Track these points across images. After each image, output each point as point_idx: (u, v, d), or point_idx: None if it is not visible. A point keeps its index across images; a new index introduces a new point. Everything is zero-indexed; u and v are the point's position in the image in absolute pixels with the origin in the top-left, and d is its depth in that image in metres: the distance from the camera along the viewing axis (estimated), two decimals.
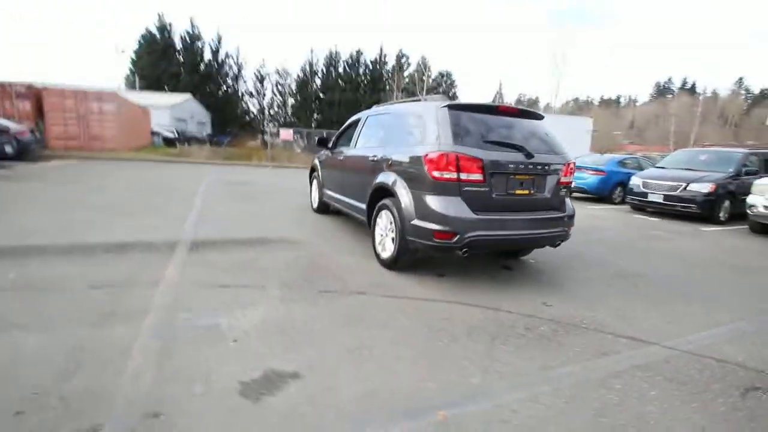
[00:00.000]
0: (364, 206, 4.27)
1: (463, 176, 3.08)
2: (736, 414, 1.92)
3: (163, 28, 38.37)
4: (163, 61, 37.82)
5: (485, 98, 62.35)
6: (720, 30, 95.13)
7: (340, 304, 2.93)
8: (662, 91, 75.18)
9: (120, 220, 4.98)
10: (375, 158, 4.05)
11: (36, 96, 13.97)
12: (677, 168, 8.99)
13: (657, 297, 3.54)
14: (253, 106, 46.72)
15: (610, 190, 11.00)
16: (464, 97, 47.87)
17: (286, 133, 19.69)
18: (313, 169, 6.50)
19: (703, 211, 7.86)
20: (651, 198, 8.60)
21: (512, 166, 3.23)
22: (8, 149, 10.39)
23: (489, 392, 1.95)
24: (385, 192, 3.81)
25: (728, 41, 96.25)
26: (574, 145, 13.41)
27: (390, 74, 41.96)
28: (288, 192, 9.06)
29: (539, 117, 3.67)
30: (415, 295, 3.18)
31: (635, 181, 9.02)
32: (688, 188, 8.01)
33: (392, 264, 3.66)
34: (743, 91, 66.58)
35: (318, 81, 44.63)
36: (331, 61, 43.94)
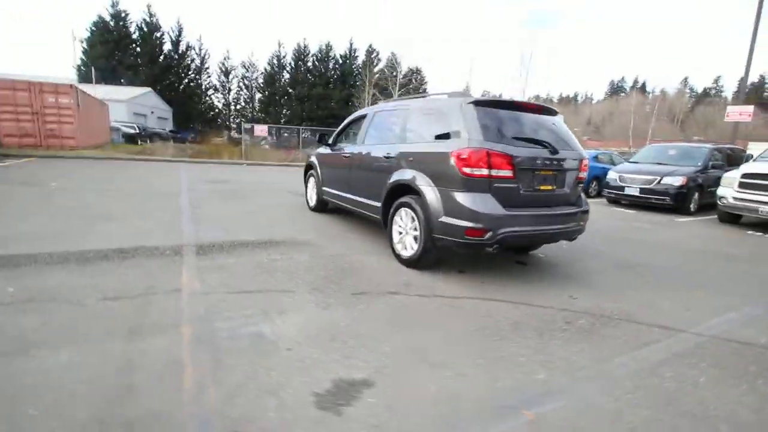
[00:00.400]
0: (378, 204, 4.20)
1: (494, 173, 3.09)
2: None
3: (117, 16, 35.98)
4: (118, 51, 35.51)
5: None
6: (668, 32, 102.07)
7: (378, 305, 2.86)
8: (616, 89, 79.42)
9: (107, 225, 4.62)
10: (390, 155, 3.99)
11: None
12: (650, 163, 9.52)
13: (665, 286, 3.73)
14: (217, 100, 44.98)
15: (587, 184, 11.52)
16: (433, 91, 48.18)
17: (261, 129, 19.03)
18: (309, 167, 6.32)
19: (675, 202, 8.39)
20: (627, 191, 9.07)
21: (539, 162, 3.28)
22: None
23: (559, 388, 1.97)
24: (404, 189, 3.76)
25: (675, 43, 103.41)
26: None
27: (360, 69, 41.63)
28: (274, 190, 8.79)
29: (555, 113, 3.75)
30: (446, 293, 3.16)
31: (612, 176, 9.47)
32: (661, 182, 8.51)
33: (415, 263, 3.63)
34: (688, 90, 71.62)
35: (286, 75, 43.58)
36: (300, 55, 43.02)
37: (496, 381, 1.98)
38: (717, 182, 8.12)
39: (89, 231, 4.31)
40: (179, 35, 39.72)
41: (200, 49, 41.74)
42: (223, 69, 43.56)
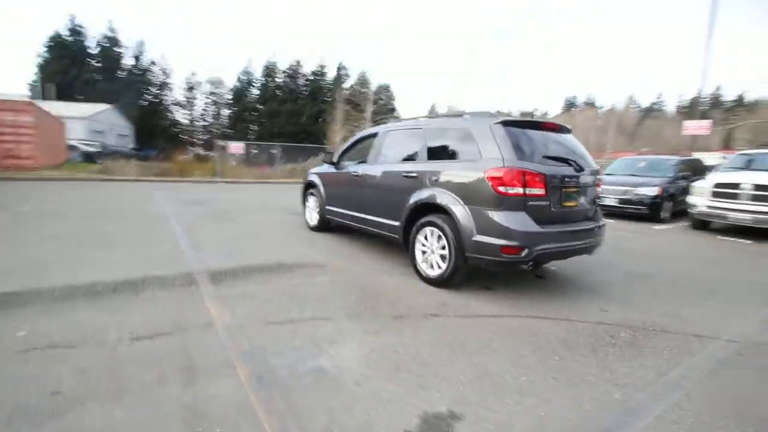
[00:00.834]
0: (396, 223, 4.15)
1: (528, 191, 3.14)
2: None
3: (75, 31, 34.28)
4: (75, 67, 33.71)
5: (421, 111, 64.83)
6: (614, 53, 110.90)
7: (425, 329, 2.79)
8: (570, 105, 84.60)
9: (100, 252, 4.27)
10: (412, 174, 3.97)
11: None
12: (624, 174, 10.09)
13: (679, 294, 3.89)
14: (182, 116, 43.49)
15: None
16: (402, 109, 49.21)
17: (236, 147, 18.50)
18: (308, 186, 6.18)
19: (651, 211, 8.91)
20: (606, 201, 9.52)
21: (567, 179, 3.37)
22: None
23: (639, 406, 1.98)
24: (429, 208, 3.74)
25: (621, 63, 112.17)
26: None
27: (331, 86, 41.81)
28: (264, 208, 8.51)
29: (569, 130, 3.89)
30: (484, 312, 3.14)
31: None
32: (637, 192, 9.03)
33: (443, 282, 3.59)
34: (634, 106, 77.38)
35: (255, 91, 43.00)
36: (269, 71, 42.68)
37: (581, 405, 1.96)
38: (685, 191, 8.73)
39: (84, 260, 3.96)
40: (141, 50, 38.36)
41: (164, 65, 40.43)
42: (188, 85, 42.34)
